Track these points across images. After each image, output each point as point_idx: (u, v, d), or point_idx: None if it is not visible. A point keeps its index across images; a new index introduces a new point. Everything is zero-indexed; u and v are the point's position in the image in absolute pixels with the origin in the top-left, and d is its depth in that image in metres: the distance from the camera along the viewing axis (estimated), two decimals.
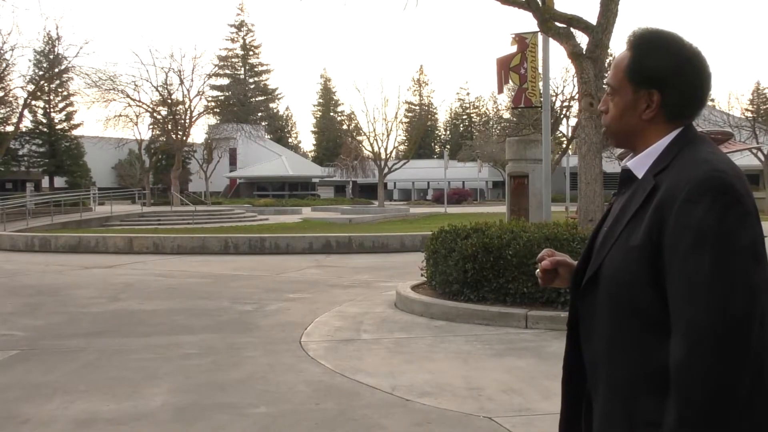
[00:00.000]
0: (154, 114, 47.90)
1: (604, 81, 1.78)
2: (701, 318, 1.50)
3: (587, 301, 1.78)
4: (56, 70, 41.62)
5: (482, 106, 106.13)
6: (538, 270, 2.01)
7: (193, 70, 47.19)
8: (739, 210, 1.54)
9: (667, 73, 1.70)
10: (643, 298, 1.63)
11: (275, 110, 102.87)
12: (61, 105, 59.16)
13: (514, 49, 12.98)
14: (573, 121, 34.92)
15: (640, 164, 1.75)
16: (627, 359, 1.67)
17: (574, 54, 10.39)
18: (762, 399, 1.56)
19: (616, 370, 1.70)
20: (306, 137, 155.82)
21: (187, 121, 47.25)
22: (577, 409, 1.93)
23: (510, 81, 13.24)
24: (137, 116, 48.16)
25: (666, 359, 1.57)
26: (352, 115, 68.20)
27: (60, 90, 55.16)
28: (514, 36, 13.03)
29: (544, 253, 2.03)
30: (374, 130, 51.99)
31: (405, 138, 69.50)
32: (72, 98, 55.49)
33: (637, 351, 1.65)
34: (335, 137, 78.58)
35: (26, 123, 52.99)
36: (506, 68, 13.00)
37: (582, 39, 11.22)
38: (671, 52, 1.71)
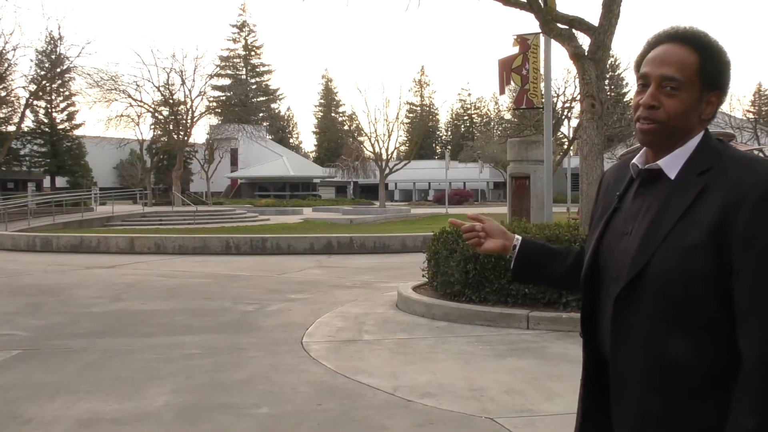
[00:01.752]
0: (156, 114, 47.97)
1: (664, 73, 1.76)
2: None
3: (624, 303, 1.73)
4: (58, 70, 41.70)
5: (484, 106, 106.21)
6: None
7: (194, 71, 47.35)
8: None
9: (728, 76, 1.77)
10: (700, 299, 1.63)
11: (277, 111, 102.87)
12: (62, 105, 59.35)
13: (515, 50, 13.00)
14: (574, 122, 34.95)
15: (672, 164, 1.76)
16: (674, 361, 1.65)
17: (576, 55, 10.39)
18: None
19: (660, 372, 1.67)
20: (307, 138, 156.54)
21: (189, 121, 47.32)
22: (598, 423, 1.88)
23: (512, 82, 13.26)
24: (139, 116, 48.33)
25: (717, 362, 1.59)
26: (354, 116, 68.20)
27: (62, 90, 55.32)
28: (515, 37, 13.05)
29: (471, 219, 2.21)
30: (375, 130, 51.95)
31: (406, 139, 69.63)
32: (74, 98, 55.75)
33: (686, 353, 1.64)
34: (336, 138, 78.71)
35: (28, 123, 53.24)
36: (508, 69, 13.02)
37: (584, 40, 11.22)
38: (727, 57, 1.77)
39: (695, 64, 1.74)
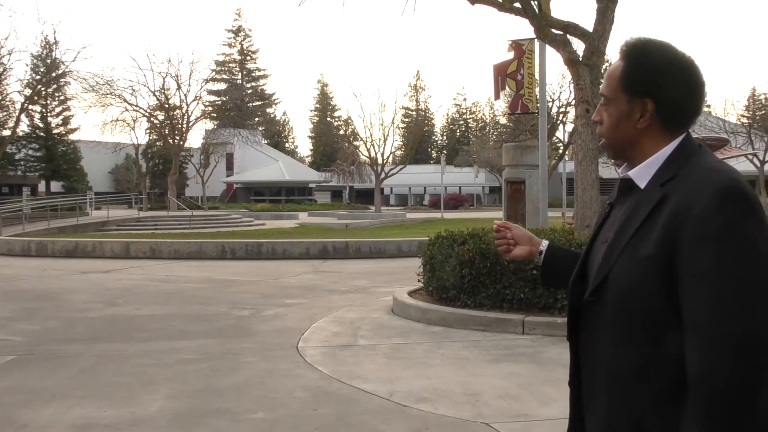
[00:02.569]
0: (152, 119, 47.98)
1: (599, 91, 1.77)
2: (724, 329, 1.49)
3: (591, 311, 1.76)
4: (54, 74, 41.62)
5: (479, 111, 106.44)
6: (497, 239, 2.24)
7: (190, 75, 47.41)
8: (758, 218, 1.55)
9: (661, 83, 1.71)
10: (654, 309, 1.62)
11: (272, 115, 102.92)
12: (58, 109, 59.23)
13: (511, 55, 13.05)
14: (569, 127, 35.03)
15: (642, 174, 1.74)
16: (634, 370, 1.65)
17: (571, 61, 10.42)
18: None
19: (621, 381, 1.68)
20: (303, 142, 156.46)
21: (185, 125, 47.30)
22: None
23: (507, 87, 13.31)
24: (134, 121, 48.35)
25: (675, 370, 1.57)
26: (349, 120, 68.27)
27: (57, 94, 55.23)
28: (510, 42, 13.09)
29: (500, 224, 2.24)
30: (371, 135, 51.99)
31: (402, 143, 69.54)
32: (69, 102, 55.61)
33: (645, 362, 1.64)
34: (332, 142, 78.65)
35: (23, 127, 53.04)
36: (503, 74, 13.06)
37: (578, 46, 11.25)
38: (664, 61, 1.71)
39: (619, 75, 1.76)
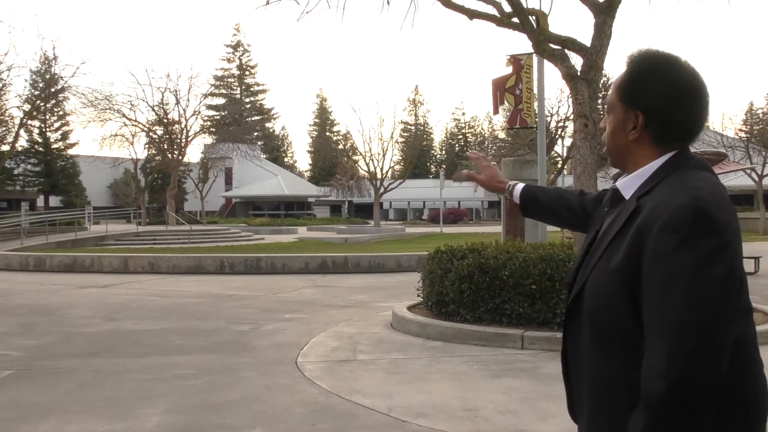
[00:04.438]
0: (150, 133, 47.97)
1: (601, 100, 1.79)
2: (672, 346, 1.50)
3: (573, 320, 1.80)
4: (52, 89, 41.65)
5: (478, 126, 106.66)
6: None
7: (189, 90, 47.36)
8: (715, 241, 1.54)
9: (656, 96, 1.71)
10: (622, 321, 1.64)
11: (271, 130, 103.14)
12: (57, 124, 59.36)
13: (509, 70, 13.07)
14: (568, 142, 35.09)
15: (628, 185, 1.77)
16: (609, 380, 1.68)
17: (569, 75, 10.46)
18: (735, 415, 1.61)
19: (598, 391, 1.71)
20: (302, 157, 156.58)
21: (183, 140, 47.31)
22: None
23: (505, 102, 13.32)
24: (133, 136, 48.33)
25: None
26: (348, 135, 68.35)
27: (56, 110, 55.37)
28: (509, 57, 13.12)
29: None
30: (370, 149, 52.16)
31: (401, 158, 69.73)
32: (68, 118, 55.66)
33: (618, 372, 1.66)
34: (331, 157, 78.70)
35: (22, 142, 53.10)
36: (502, 89, 13.08)
37: (576, 60, 11.30)
38: (664, 75, 1.71)
39: (617, 85, 1.79)
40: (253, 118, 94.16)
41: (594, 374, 1.73)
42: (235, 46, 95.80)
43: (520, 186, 2.40)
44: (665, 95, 1.71)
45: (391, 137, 53.78)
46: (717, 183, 1.68)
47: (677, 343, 1.49)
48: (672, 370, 1.48)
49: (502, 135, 61.70)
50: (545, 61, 11.87)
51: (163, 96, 45.64)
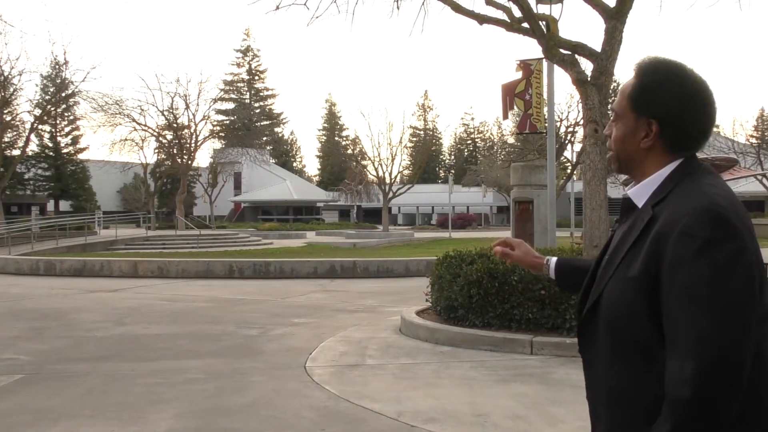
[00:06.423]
0: (160, 138, 48.20)
1: (610, 106, 1.79)
2: (694, 353, 1.50)
3: (589, 329, 1.80)
4: (63, 94, 41.91)
5: (487, 131, 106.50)
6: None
7: (198, 95, 47.68)
8: (735, 245, 1.54)
9: (668, 104, 1.71)
10: (641, 330, 1.64)
11: (280, 134, 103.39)
12: (67, 129, 59.50)
13: (519, 75, 13.08)
14: (578, 147, 35.03)
15: (640, 193, 1.77)
16: (626, 389, 1.67)
17: (579, 80, 10.43)
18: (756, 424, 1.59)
19: (616, 400, 1.70)
20: (311, 161, 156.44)
21: (193, 145, 47.52)
22: None
23: (515, 107, 13.32)
24: (143, 140, 48.62)
25: (659, 392, 1.58)
26: (357, 140, 68.28)
27: (66, 114, 55.51)
28: (519, 62, 13.13)
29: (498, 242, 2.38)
30: (379, 154, 52.06)
31: (409, 163, 69.71)
32: (78, 122, 55.88)
33: (635, 381, 1.66)
34: (340, 162, 78.71)
35: (32, 147, 53.22)
36: (511, 94, 13.08)
37: (587, 66, 11.27)
38: (675, 83, 1.72)
39: (628, 93, 1.78)
40: (262, 123, 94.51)
41: (611, 385, 1.72)
42: (245, 51, 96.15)
43: (554, 260, 2.31)
44: (679, 104, 1.71)
45: (400, 142, 53.74)
46: (728, 188, 1.69)
47: (702, 350, 1.50)
48: (698, 376, 1.49)
49: (511, 140, 61.74)
50: (555, 66, 11.87)
51: (172, 101, 45.91)
